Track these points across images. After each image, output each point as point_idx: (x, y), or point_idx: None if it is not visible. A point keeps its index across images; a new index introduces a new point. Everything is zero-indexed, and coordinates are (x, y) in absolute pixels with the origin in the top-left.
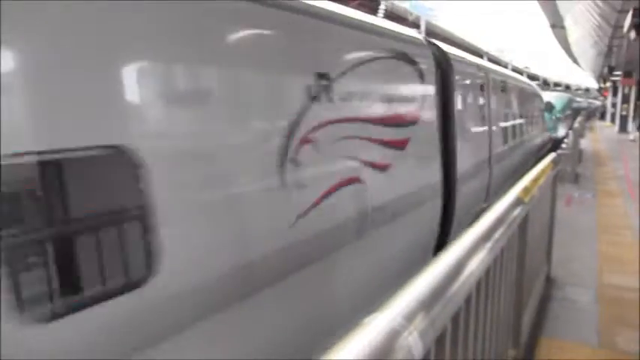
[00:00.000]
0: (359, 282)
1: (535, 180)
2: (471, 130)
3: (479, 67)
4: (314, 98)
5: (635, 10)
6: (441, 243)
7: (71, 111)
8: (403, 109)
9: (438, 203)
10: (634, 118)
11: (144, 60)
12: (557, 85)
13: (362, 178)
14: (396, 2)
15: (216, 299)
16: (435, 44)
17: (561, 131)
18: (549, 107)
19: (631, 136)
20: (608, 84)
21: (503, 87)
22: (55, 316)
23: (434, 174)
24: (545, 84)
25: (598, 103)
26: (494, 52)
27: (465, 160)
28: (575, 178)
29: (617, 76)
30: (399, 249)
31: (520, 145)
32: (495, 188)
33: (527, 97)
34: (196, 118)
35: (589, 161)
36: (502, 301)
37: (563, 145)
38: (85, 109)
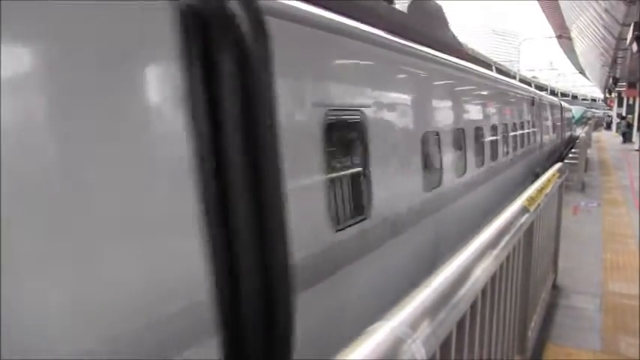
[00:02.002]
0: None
1: (540, 190)
2: (561, 125)
3: (564, 105)
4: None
5: (636, 23)
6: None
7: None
8: (559, 118)
9: (559, 138)
10: (638, 128)
11: None
12: (564, 95)
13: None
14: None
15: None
16: (559, 100)
17: (578, 131)
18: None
19: (636, 146)
20: (614, 95)
21: (563, 109)
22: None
23: (559, 131)
24: (553, 94)
25: (612, 112)
26: (503, 63)
27: (560, 131)
28: (582, 187)
29: (622, 87)
30: (553, 148)
31: (566, 132)
32: (565, 140)
33: (569, 111)
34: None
35: (595, 170)
36: (508, 307)
37: (570, 155)
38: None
